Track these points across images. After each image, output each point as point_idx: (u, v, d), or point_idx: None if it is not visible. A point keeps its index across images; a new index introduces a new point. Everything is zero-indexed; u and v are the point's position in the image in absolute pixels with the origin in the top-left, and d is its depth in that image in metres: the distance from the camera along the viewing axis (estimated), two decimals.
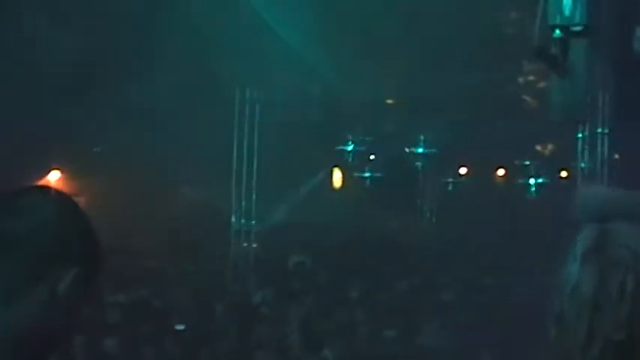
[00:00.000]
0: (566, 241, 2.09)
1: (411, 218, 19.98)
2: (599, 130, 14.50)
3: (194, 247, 16.98)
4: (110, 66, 16.09)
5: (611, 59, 5.98)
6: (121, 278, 14.53)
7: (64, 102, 16.01)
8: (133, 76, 15.91)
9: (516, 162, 18.61)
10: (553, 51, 5.86)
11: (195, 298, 14.29)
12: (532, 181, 17.97)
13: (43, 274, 2.02)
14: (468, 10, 17.13)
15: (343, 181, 20.34)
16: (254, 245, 17.66)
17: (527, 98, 18.72)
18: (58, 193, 2.15)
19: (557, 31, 5.84)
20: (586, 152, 15.02)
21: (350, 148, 18.45)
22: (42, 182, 15.75)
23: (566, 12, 5.81)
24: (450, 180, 20.21)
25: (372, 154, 18.90)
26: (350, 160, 18.71)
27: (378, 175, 19.13)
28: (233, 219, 17.64)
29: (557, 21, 5.83)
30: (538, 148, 19.27)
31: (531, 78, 17.72)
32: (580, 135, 14.89)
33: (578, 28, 5.84)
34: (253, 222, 17.59)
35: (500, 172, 20.13)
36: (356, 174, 19.41)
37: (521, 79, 17.73)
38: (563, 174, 19.22)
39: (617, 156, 15.82)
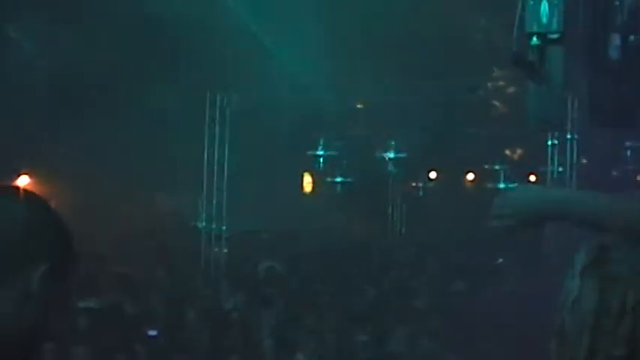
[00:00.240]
0: (566, 255, 2.10)
1: (382, 223, 20.02)
2: (569, 136, 14.65)
3: (164, 253, 16.91)
4: (77, 70, 15.98)
5: (588, 67, 6.02)
6: (91, 284, 14.44)
7: (33, 106, 15.89)
8: (101, 81, 15.84)
9: (486, 166, 18.73)
10: (530, 58, 5.89)
11: (166, 304, 14.24)
12: (502, 185, 18.09)
13: (12, 273, 1.99)
14: (438, 15, 17.21)
15: (314, 186, 20.35)
16: (225, 250, 17.62)
17: (497, 103, 18.84)
18: (26, 191, 2.13)
19: (535, 39, 5.87)
20: (555, 157, 15.17)
21: (321, 153, 18.45)
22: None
23: (544, 19, 5.85)
24: (421, 184, 20.28)
25: (342, 159, 18.92)
26: (321, 165, 18.71)
27: (348, 180, 19.15)
28: (203, 224, 17.59)
29: (535, 28, 5.86)
30: (507, 152, 19.40)
31: (501, 83, 17.84)
32: (550, 142, 15.04)
33: (555, 36, 5.87)
34: (224, 227, 17.55)
35: (470, 176, 20.23)
36: (327, 179, 19.41)
37: (490, 85, 17.84)
38: (532, 178, 19.34)
39: (584, 160, 16.01)
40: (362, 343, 13.28)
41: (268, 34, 16.45)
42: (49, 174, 17.54)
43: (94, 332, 12.73)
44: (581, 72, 6.36)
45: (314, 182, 20.39)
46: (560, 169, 15.42)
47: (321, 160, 18.63)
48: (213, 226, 17.48)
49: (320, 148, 18.47)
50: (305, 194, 20.51)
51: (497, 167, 18.53)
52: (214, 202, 17.51)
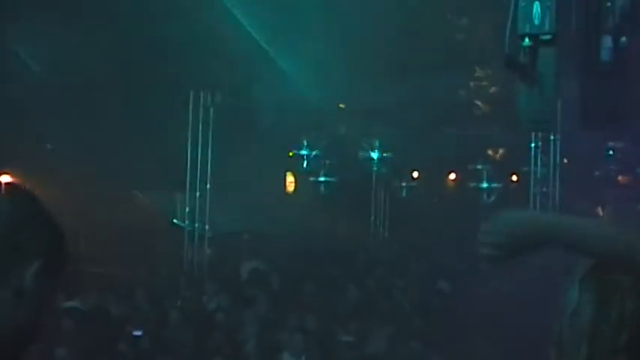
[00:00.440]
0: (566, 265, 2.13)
1: (365, 222, 20.03)
2: (552, 137, 14.73)
3: (147, 253, 16.85)
4: (61, 67, 15.91)
5: (579, 68, 6.04)
6: (74, 285, 14.37)
7: (16, 103, 15.82)
8: (84, 78, 15.77)
9: (469, 166, 18.79)
10: (522, 59, 5.90)
11: (150, 305, 14.18)
12: (485, 184, 18.14)
13: (3, 270, 1.96)
14: (421, 16, 17.25)
15: (297, 186, 20.33)
16: (207, 251, 17.57)
17: (479, 103, 18.89)
18: (12, 184, 2.10)
19: (527, 40, 5.89)
20: (539, 158, 15.25)
21: (304, 152, 18.44)
22: None
23: (536, 21, 5.86)
24: (404, 184, 20.30)
25: (326, 158, 18.92)
26: (305, 164, 18.70)
27: (332, 179, 19.15)
28: (186, 224, 17.54)
29: (527, 30, 5.88)
30: (490, 152, 19.47)
31: (483, 83, 17.89)
32: (533, 144, 15.13)
33: (547, 37, 5.89)
34: (207, 227, 17.50)
35: (452, 176, 20.29)
36: (310, 178, 19.40)
37: (473, 84, 17.88)
38: (514, 178, 19.43)
39: (567, 161, 16.08)
40: (346, 344, 13.28)
41: (256, 33, 16.43)
42: (31, 174, 17.44)
43: (77, 333, 12.67)
44: (569, 73, 6.38)
45: (297, 182, 20.36)
46: (543, 169, 15.49)
47: (305, 159, 18.61)
48: (197, 225, 17.42)
49: (304, 147, 18.45)
50: (288, 194, 20.49)
51: (479, 167, 18.57)
52: (197, 201, 17.46)
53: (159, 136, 16.38)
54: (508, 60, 5.91)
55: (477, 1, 18.14)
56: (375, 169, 18.71)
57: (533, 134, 15.11)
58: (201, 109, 17.29)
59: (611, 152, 16.76)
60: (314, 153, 18.58)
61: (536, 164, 15.55)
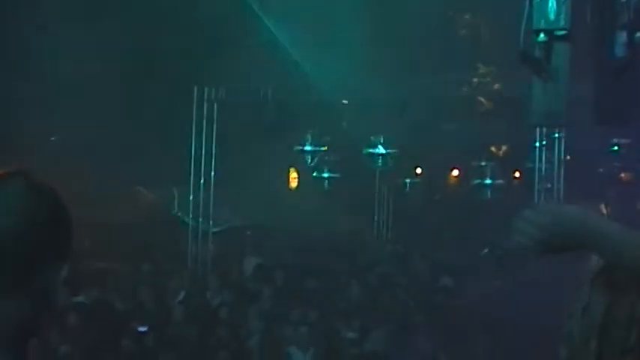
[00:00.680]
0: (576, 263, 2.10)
1: (368, 218, 20.02)
2: (556, 135, 14.73)
3: (151, 249, 16.83)
4: (62, 61, 15.87)
5: (594, 64, 6.03)
6: (79, 280, 14.35)
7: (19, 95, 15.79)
8: (87, 73, 15.73)
9: (472, 163, 18.76)
10: (537, 55, 5.89)
11: (154, 300, 14.18)
12: (488, 181, 18.12)
13: (29, 270, 1.92)
14: (423, 11, 17.21)
15: (300, 182, 20.31)
16: (211, 246, 17.56)
17: (483, 99, 18.84)
18: (37, 180, 2.02)
19: (542, 35, 5.87)
20: (543, 154, 15.24)
21: (308, 148, 18.42)
22: None
23: (551, 16, 5.84)
24: (407, 180, 20.29)
25: (329, 154, 18.89)
26: (309, 160, 18.68)
27: (335, 175, 19.13)
28: (189, 218, 17.53)
29: (542, 25, 5.86)
30: (493, 149, 19.44)
31: (487, 80, 17.84)
32: (537, 144, 15.12)
33: (562, 33, 5.87)
34: (210, 223, 17.49)
35: (455, 172, 20.27)
36: (314, 174, 19.38)
37: (476, 81, 17.84)
38: (517, 175, 19.41)
39: (571, 157, 16.06)
40: (349, 340, 13.30)
41: (257, 32, 16.39)
42: (33, 168, 17.40)
43: (81, 328, 12.66)
44: (583, 68, 6.37)
45: (300, 178, 20.35)
46: (547, 166, 15.48)
47: (309, 155, 18.59)
48: (200, 221, 17.42)
49: (307, 143, 18.43)
50: (291, 190, 20.47)
51: (483, 164, 18.55)
52: (201, 196, 17.45)
53: (163, 131, 16.34)
54: (523, 55, 5.89)
55: None
56: (378, 165, 18.68)
57: (537, 132, 15.09)
58: (205, 103, 17.29)
59: (615, 148, 16.75)
60: (318, 149, 18.55)
61: (540, 161, 15.52)
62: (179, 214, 18.06)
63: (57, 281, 1.95)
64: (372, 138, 18.57)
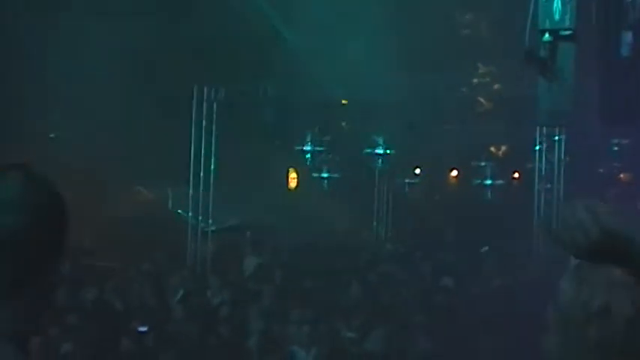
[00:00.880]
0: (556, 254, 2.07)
1: (368, 218, 20.02)
2: (556, 137, 14.78)
3: (151, 248, 16.81)
4: (63, 59, 15.86)
5: (599, 64, 6.03)
6: (79, 279, 14.35)
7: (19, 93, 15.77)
8: (87, 72, 15.73)
9: (472, 163, 18.78)
10: (542, 54, 5.89)
11: (154, 299, 14.16)
12: (488, 181, 18.13)
13: (29, 267, 1.88)
14: (424, 12, 17.23)
15: (300, 182, 20.31)
16: (211, 245, 17.55)
17: (482, 100, 18.88)
18: (36, 174, 1.97)
19: (547, 35, 5.88)
20: (543, 154, 15.27)
21: (308, 148, 18.41)
22: None
23: (556, 16, 5.85)
24: (407, 181, 20.30)
25: (329, 154, 18.90)
26: (309, 160, 18.68)
27: (335, 175, 19.13)
28: (190, 219, 17.52)
29: (547, 25, 5.87)
30: (492, 149, 19.46)
31: (486, 80, 17.87)
32: (538, 147, 15.17)
33: (567, 33, 5.88)
34: (210, 222, 17.48)
35: (455, 172, 20.28)
36: (314, 174, 19.39)
37: (476, 81, 17.87)
38: (516, 175, 19.42)
39: (571, 158, 16.08)
40: (349, 339, 13.29)
41: (257, 32, 16.39)
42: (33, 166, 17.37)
43: (82, 327, 12.65)
44: (588, 68, 6.37)
45: (300, 178, 20.35)
46: (547, 166, 15.51)
47: (309, 155, 18.58)
48: (200, 219, 17.41)
49: (307, 143, 18.43)
50: (290, 190, 20.47)
51: (482, 164, 18.56)
52: (200, 196, 17.45)
53: (163, 130, 16.33)
54: (528, 55, 5.89)
55: None
56: (378, 165, 18.68)
57: (537, 133, 15.13)
58: (204, 103, 17.28)
59: (615, 149, 16.78)
60: (317, 149, 18.54)
61: (540, 161, 15.55)
62: (179, 213, 18.05)
63: (56, 276, 1.92)
64: (371, 138, 18.57)
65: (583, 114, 7.15)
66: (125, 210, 18.01)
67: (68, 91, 15.85)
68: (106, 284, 14.50)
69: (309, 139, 18.50)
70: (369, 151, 18.52)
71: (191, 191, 17.50)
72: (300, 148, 18.59)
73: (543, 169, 15.52)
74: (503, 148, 19.76)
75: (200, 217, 17.46)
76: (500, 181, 18.31)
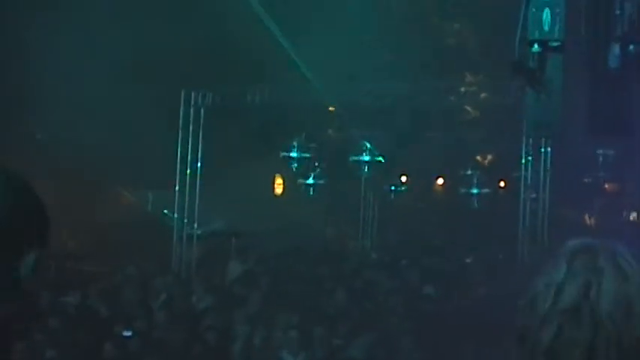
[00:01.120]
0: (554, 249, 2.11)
1: (354, 225, 20.03)
2: (542, 149, 14.85)
3: (135, 251, 16.77)
4: (51, 60, 15.82)
5: (587, 75, 6.06)
6: (63, 283, 14.31)
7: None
8: (75, 74, 15.70)
9: (459, 171, 18.81)
10: (530, 65, 5.92)
11: (138, 304, 14.13)
12: (474, 190, 18.17)
13: (4, 258, 1.88)
14: (412, 21, 17.28)
15: (286, 188, 20.31)
16: (196, 250, 17.54)
17: (469, 108, 18.93)
18: (1, 166, 1.98)
19: (536, 46, 5.90)
20: (530, 164, 15.32)
21: (294, 154, 18.43)
22: None
23: (545, 27, 5.88)
24: (393, 188, 20.32)
25: (315, 161, 18.92)
26: (295, 166, 18.69)
27: (321, 182, 19.14)
28: (175, 223, 17.50)
29: (537, 36, 5.89)
30: (478, 158, 19.51)
31: (473, 89, 17.91)
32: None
33: (556, 44, 5.91)
34: (195, 227, 17.47)
35: (441, 180, 20.32)
36: (299, 181, 19.39)
37: (463, 90, 17.90)
38: (502, 184, 19.46)
39: (557, 167, 16.12)
40: (334, 345, 13.30)
41: (245, 37, 16.39)
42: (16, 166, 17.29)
43: (66, 330, 12.61)
44: (577, 79, 6.40)
45: (286, 184, 20.35)
46: (533, 175, 15.55)
47: (295, 161, 18.60)
48: (185, 222, 17.40)
49: (293, 149, 18.44)
50: (276, 196, 20.48)
51: (469, 172, 18.60)
52: (186, 200, 17.43)
53: (150, 134, 16.30)
54: (517, 66, 5.91)
55: (468, 6, 18.22)
56: (364, 172, 18.70)
57: (524, 145, 15.19)
58: (192, 108, 17.27)
59: (600, 159, 16.86)
60: (304, 155, 18.56)
61: (526, 170, 15.60)
62: (164, 217, 18.02)
63: (27, 270, 1.91)
64: (358, 145, 18.60)
65: (570, 125, 7.17)
66: (109, 213, 17.98)
67: (55, 92, 15.82)
68: (91, 289, 14.47)
69: (295, 145, 18.50)
70: (355, 158, 18.53)
71: (177, 196, 17.48)
72: (286, 154, 18.59)
73: (529, 178, 15.55)
74: (490, 156, 19.81)
75: (185, 222, 17.44)
76: (486, 190, 18.34)
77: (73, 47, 15.49)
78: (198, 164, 17.40)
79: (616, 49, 5.86)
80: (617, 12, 5.89)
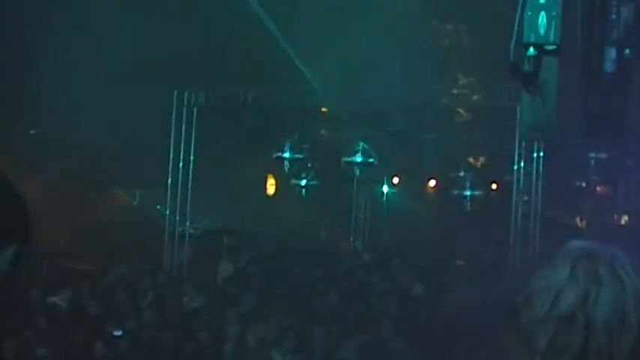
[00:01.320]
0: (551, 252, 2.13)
1: (346, 226, 20.05)
2: (534, 154, 14.89)
3: (127, 251, 16.76)
4: (43, 61, 15.79)
5: (582, 79, 6.07)
6: (54, 281, 14.29)
7: None
8: (67, 73, 15.66)
9: (451, 174, 18.82)
10: (526, 69, 5.92)
11: (129, 303, 14.12)
12: (466, 192, 18.18)
13: None
14: (405, 22, 17.27)
15: (278, 188, 20.31)
16: (188, 250, 17.52)
17: (462, 111, 18.93)
18: None
19: (531, 49, 5.90)
20: (522, 167, 15.35)
21: (287, 155, 18.43)
22: None
23: (541, 31, 5.88)
24: (385, 190, 20.34)
25: (308, 162, 18.93)
26: (287, 167, 18.69)
27: (313, 183, 19.15)
28: (167, 223, 17.49)
29: (532, 39, 5.90)
30: (471, 160, 19.51)
31: (466, 90, 17.92)
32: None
33: (551, 47, 5.91)
34: (187, 226, 17.46)
35: (433, 182, 20.32)
36: (292, 181, 19.40)
37: (455, 91, 17.92)
38: (494, 186, 19.47)
39: (549, 170, 16.16)
40: (325, 346, 13.31)
41: (238, 37, 16.37)
42: (9, 170, 17.26)
43: (56, 329, 12.59)
44: (572, 83, 6.40)
45: (278, 184, 20.35)
46: (525, 178, 15.59)
47: (287, 162, 18.61)
48: (177, 224, 17.39)
49: (286, 150, 18.45)
50: (268, 196, 20.46)
51: (461, 174, 18.61)
52: (178, 200, 17.42)
53: (142, 134, 16.28)
54: (512, 69, 5.92)
55: (462, 8, 18.21)
56: (356, 173, 18.70)
57: (516, 146, 15.22)
58: (184, 108, 17.27)
59: (593, 162, 16.89)
60: (296, 156, 18.56)
61: (518, 172, 15.63)
62: (156, 215, 18.00)
63: (5, 263, 1.91)
64: (350, 146, 18.60)
65: (564, 128, 7.19)
66: (103, 213, 17.95)
67: (49, 90, 15.80)
68: (82, 287, 14.45)
69: (288, 145, 18.50)
70: (347, 159, 18.53)
71: (169, 195, 17.46)
72: (279, 154, 18.59)
73: (521, 180, 15.58)
74: (482, 159, 19.82)
75: (177, 222, 17.44)
76: (478, 192, 18.34)
77: (68, 47, 15.46)
78: (191, 164, 17.39)
79: (612, 53, 5.88)
80: (613, 16, 5.90)
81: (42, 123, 16.98)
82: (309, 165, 18.96)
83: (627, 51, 5.89)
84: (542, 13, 5.88)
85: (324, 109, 18.89)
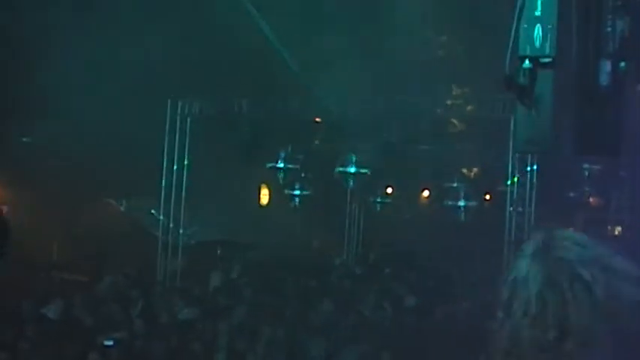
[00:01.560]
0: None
1: (339, 236, 20.03)
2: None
3: (119, 261, 16.71)
4: (36, 69, 15.75)
5: (577, 92, 6.06)
6: (45, 292, 14.24)
7: None
8: (60, 82, 15.63)
9: (445, 184, 18.84)
10: (521, 81, 5.91)
11: (122, 313, 14.08)
12: (460, 202, 18.19)
13: None
14: (399, 31, 17.28)
15: (272, 198, 20.30)
16: (181, 260, 17.48)
17: (455, 121, 18.94)
18: None
19: (527, 62, 5.90)
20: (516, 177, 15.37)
21: (281, 165, 18.42)
22: None
23: (537, 43, 5.88)
24: (378, 200, 20.33)
25: (302, 172, 18.93)
26: (281, 177, 18.68)
27: (307, 193, 19.14)
28: (160, 233, 17.44)
29: (527, 52, 5.89)
30: (464, 170, 19.53)
31: (459, 101, 17.93)
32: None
33: (547, 60, 5.91)
34: (180, 236, 17.42)
35: (426, 193, 20.33)
36: (285, 191, 19.39)
37: (449, 102, 17.92)
38: (487, 197, 19.50)
39: (543, 181, 16.17)
40: (318, 357, 13.27)
41: (232, 47, 16.36)
42: (3, 180, 17.25)
43: (48, 341, 12.54)
44: (567, 96, 6.40)
45: (272, 194, 20.34)
46: (519, 189, 15.59)
47: (281, 172, 18.60)
48: (170, 234, 17.34)
49: (280, 160, 18.44)
50: (262, 206, 20.45)
51: (454, 185, 18.62)
52: (171, 210, 17.39)
53: (136, 144, 16.25)
54: (507, 81, 5.91)
55: (456, 19, 18.22)
56: (350, 183, 18.70)
57: (510, 158, 15.23)
58: (178, 118, 17.24)
59: (586, 174, 16.91)
60: (290, 166, 18.56)
61: (512, 183, 15.64)
62: (149, 227, 17.96)
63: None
64: (344, 157, 18.60)
65: (560, 141, 7.19)
66: (96, 223, 17.91)
67: (42, 97, 15.76)
68: (74, 298, 14.41)
69: (282, 156, 18.49)
70: (341, 169, 18.52)
71: (162, 205, 17.43)
72: (272, 164, 18.59)
73: (515, 191, 15.59)
74: (476, 169, 19.83)
75: (170, 232, 17.41)
76: (472, 203, 18.36)
77: (61, 55, 15.42)
78: (184, 174, 17.36)
79: (607, 65, 5.88)
80: (609, 29, 5.90)
81: (34, 131, 16.93)
82: (302, 175, 18.96)
83: (622, 64, 5.88)
84: (538, 26, 5.88)
85: (318, 120, 18.89)
